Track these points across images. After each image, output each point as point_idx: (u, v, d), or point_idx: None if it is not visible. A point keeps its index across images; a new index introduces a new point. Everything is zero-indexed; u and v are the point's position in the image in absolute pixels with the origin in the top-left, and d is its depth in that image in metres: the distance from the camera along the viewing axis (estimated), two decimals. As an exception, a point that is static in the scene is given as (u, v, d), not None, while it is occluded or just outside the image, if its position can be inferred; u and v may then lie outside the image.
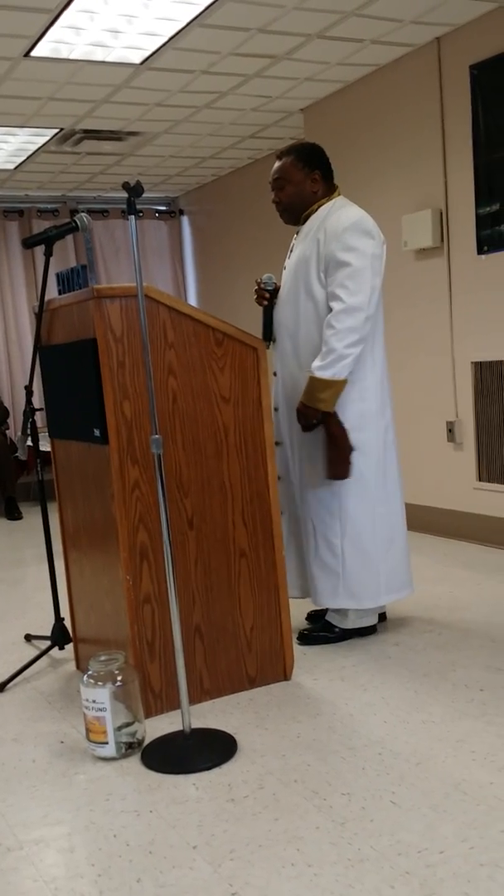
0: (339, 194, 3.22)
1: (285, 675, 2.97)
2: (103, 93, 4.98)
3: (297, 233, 3.28)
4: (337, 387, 3.01)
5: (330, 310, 3.02)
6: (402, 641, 3.26)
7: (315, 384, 3.01)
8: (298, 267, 3.16)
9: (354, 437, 3.11)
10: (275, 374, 3.31)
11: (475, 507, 4.71)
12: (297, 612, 3.51)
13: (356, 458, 3.12)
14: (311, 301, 3.11)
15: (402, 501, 3.28)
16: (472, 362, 4.62)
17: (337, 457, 3.07)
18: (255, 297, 3.33)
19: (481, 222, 4.44)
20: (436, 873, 1.83)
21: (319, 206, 3.18)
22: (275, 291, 3.31)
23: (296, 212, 3.22)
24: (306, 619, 3.53)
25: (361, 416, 3.13)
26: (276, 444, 3.29)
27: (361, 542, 3.16)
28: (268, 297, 3.30)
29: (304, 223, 3.22)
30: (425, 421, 4.98)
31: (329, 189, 3.21)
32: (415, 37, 4.52)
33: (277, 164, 3.20)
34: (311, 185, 3.17)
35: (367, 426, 3.14)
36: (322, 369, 2.99)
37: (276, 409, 3.29)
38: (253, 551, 2.89)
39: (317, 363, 3.01)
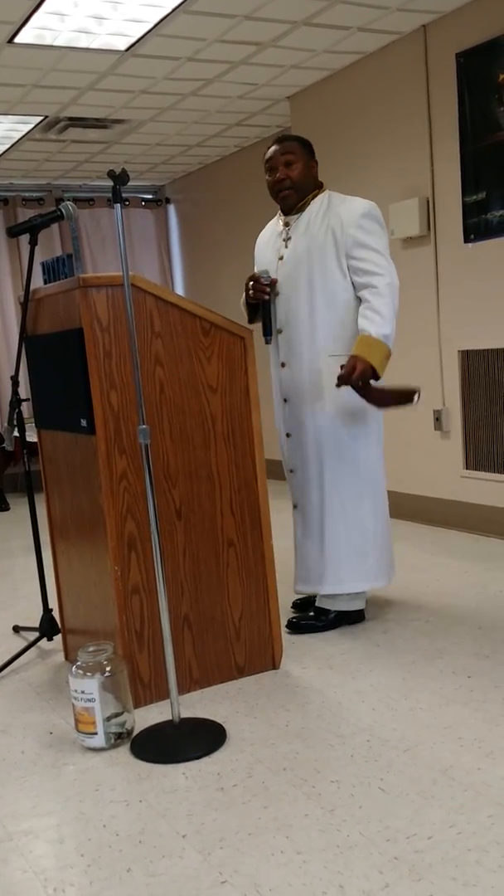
0: (326, 189, 3.26)
1: (274, 664, 2.98)
2: (88, 80, 4.95)
3: (286, 224, 3.26)
4: (390, 354, 3.09)
5: (362, 287, 3.08)
6: (389, 629, 3.27)
7: (384, 351, 3.03)
8: (311, 255, 3.14)
9: (364, 428, 3.19)
10: (283, 364, 3.27)
11: (462, 495, 4.73)
12: (285, 600, 3.52)
13: (366, 447, 3.20)
14: (328, 288, 3.12)
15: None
16: (458, 351, 4.62)
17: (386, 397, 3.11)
18: (253, 293, 3.23)
19: (468, 211, 4.44)
20: (424, 858, 1.84)
21: (313, 198, 3.21)
22: (270, 285, 3.28)
23: (299, 193, 3.20)
24: (292, 607, 3.53)
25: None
26: (287, 435, 3.29)
27: (383, 522, 3.28)
28: (268, 291, 3.27)
29: (295, 213, 3.22)
30: (412, 410, 4.98)
31: (318, 183, 3.26)
32: (401, 24, 4.50)
33: (281, 145, 3.20)
34: (311, 171, 3.21)
35: (372, 415, 3.21)
36: (387, 339, 3.03)
37: (285, 401, 3.28)
38: (241, 541, 2.89)
39: (382, 330, 3.02)
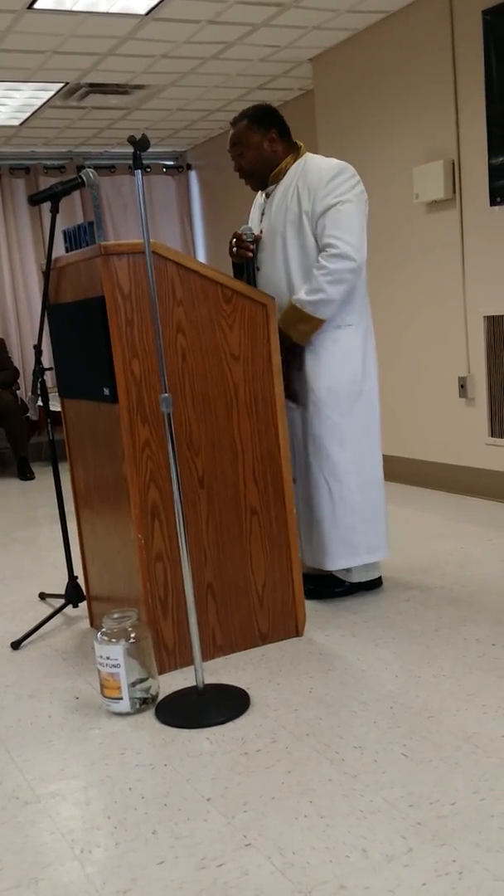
0: (304, 151, 3.17)
1: (297, 631, 2.99)
2: (108, 45, 4.89)
3: (268, 195, 3.21)
4: (316, 324, 3.03)
5: (321, 252, 2.99)
6: (413, 597, 3.27)
7: (298, 314, 3.01)
8: (285, 227, 3.09)
9: (346, 398, 3.11)
10: None
11: (487, 463, 4.70)
12: (309, 568, 3.52)
13: (350, 417, 3.12)
14: (306, 258, 3.06)
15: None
16: (484, 316, 4.57)
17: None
18: (237, 250, 3.19)
19: (494, 173, 4.36)
20: (447, 824, 1.85)
21: (287, 165, 3.14)
22: (254, 241, 3.22)
23: (261, 175, 3.18)
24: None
25: (336, 380, 3.11)
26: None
27: (374, 496, 3.18)
28: (253, 248, 3.22)
29: (273, 184, 3.18)
30: (437, 376, 4.94)
31: (290, 146, 3.17)
32: (426, -19, 4.40)
33: (232, 132, 3.16)
34: (270, 145, 3.13)
35: (342, 391, 3.12)
36: (310, 305, 2.99)
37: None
38: (264, 509, 2.90)
39: (305, 297, 2.99)
